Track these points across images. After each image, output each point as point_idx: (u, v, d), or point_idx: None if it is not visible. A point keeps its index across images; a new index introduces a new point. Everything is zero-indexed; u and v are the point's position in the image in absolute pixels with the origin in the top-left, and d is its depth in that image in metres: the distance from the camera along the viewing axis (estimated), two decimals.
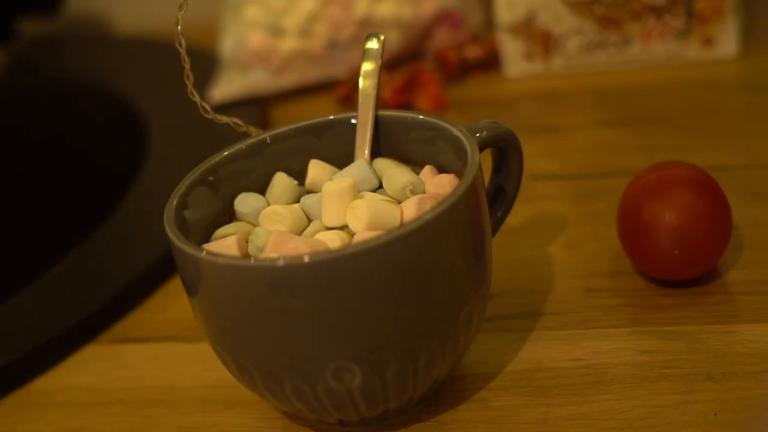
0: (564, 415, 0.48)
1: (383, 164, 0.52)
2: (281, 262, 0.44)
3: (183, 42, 0.52)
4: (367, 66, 0.54)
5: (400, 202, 0.49)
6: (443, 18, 0.84)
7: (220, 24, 0.86)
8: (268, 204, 0.52)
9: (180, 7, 0.52)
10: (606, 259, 0.58)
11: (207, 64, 0.86)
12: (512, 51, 0.79)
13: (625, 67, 0.77)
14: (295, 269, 0.44)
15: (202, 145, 0.79)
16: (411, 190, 0.50)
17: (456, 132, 0.49)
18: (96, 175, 0.86)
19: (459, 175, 0.50)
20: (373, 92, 0.53)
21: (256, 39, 0.82)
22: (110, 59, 0.96)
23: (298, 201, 0.52)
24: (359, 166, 0.51)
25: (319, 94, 0.83)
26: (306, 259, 0.44)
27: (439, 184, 0.49)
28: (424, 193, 0.50)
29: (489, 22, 0.85)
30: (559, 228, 0.62)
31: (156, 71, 0.93)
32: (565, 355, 0.52)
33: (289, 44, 0.82)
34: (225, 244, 0.49)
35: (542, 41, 0.78)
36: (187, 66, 0.53)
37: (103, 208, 0.73)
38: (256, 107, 0.81)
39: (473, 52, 0.81)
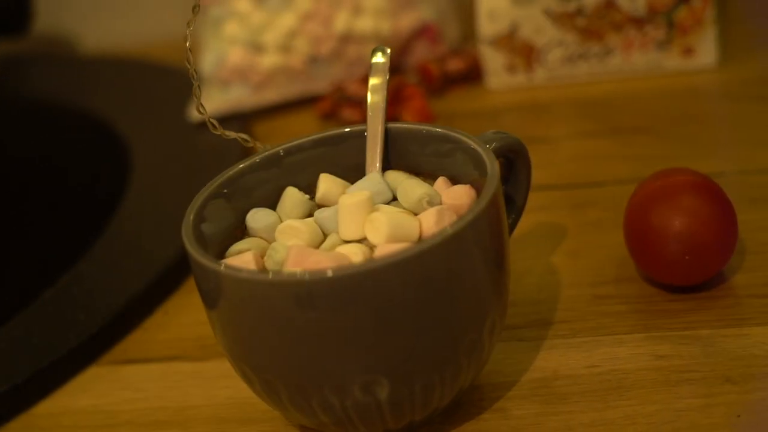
0: (587, 421, 0.48)
1: (395, 177, 0.52)
2: (307, 277, 0.44)
3: (192, 58, 0.52)
4: (374, 80, 0.54)
5: (415, 215, 0.50)
6: (421, 32, 0.84)
7: (199, 41, 0.85)
8: (280, 219, 0.52)
9: (188, 24, 0.52)
10: (610, 267, 0.58)
11: (186, 81, 0.85)
12: (494, 63, 0.79)
13: (606, 77, 0.78)
14: (322, 284, 0.44)
15: (184, 161, 0.79)
16: (428, 202, 0.50)
17: (473, 144, 0.49)
18: (77, 196, 0.85)
19: (474, 185, 0.50)
20: (382, 105, 0.53)
21: (236, 55, 0.82)
22: (81, 79, 0.95)
23: (309, 215, 0.52)
24: (373, 179, 0.51)
25: (300, 109, 0.83)
26: (332, 273, 0.44)
27: (455, 195, 0.49)
28: (440, 204, 0.50)
29: (466, 36, 0.86)
30: (558, 237, 0.62)
31: (129, 90, 0.92)
32: (581, 362, 0.52)
33: (269, 60, 0.82)
34: (243, 259, 0.48)
35: (524, 53, 0.78)
36: (196, 83, 0.52)
37: (89, 229, 0.72)
38: (238, 124, 0.81)
39: (455, 65, 0.81)
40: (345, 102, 0.79)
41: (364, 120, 0.75)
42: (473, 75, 0.81)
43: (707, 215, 0.53)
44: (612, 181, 0.67)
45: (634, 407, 0.49)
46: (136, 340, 0.61)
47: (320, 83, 0.83)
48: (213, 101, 0.82)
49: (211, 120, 0.53)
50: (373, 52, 0.55)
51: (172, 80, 0.91)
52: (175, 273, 0.65)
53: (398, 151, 0.53)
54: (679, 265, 0.53)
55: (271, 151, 0.53)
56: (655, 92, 0.76)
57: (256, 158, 0.52)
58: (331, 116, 0.80)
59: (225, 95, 0.83)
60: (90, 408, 0.57)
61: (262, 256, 0.50)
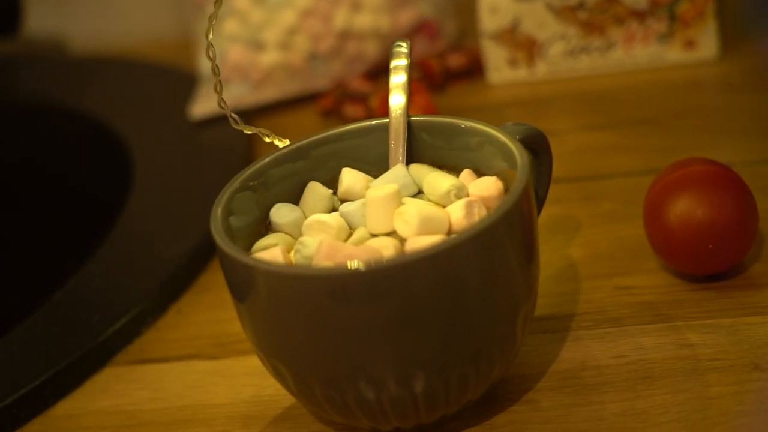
0: (619, 411, 0.48)
1: (419, 170, 0.52)
2: (341, 271, 0.44)
3: (214, 53, 0.51)
4: (396, 74, 0.53)
5: (443, 207, 0.49)
6: (420, 28, 0.84)
7: (197, 40, 0.85)
8: (304, 214, 0.52)
9: (210, 19, 0.52)
10: (626, 258, 0.59)
11: (186, 81, 0.85)
12: (496, 58, 0.79)
13: (608, 71, 0.78)
14: (356, 277, 0.44)
15: (186, 160, 0.78)
16: (455, 194, 0.50)
17: (503, 137, 0.49)
18: (82, 197, 0.84)
19: (501, 177, 0.50)
20: (404, 98, 0.53)
21: (235, 53, 0.82)
22: (74, 80, 0.94)
23: (332, 210, 0.52)
24: (398, 172, 0.51)
25: (301, 106, 0.83)
26: (366, 267, 0.44)
27: (483, 187, 0.49)
28: (467, 196, 0.50)
29: (465, 32, 0.86)
30: (573, 230, 0.62)
31: (123, 90, 0.91)
32: (607, 353, 0.52)
33: (269, 58, 0.82)
34: (271, 254, 0.48)
35: (526, 48, 0.78)
36: (217, 77, 0.52)
37: (95, 230, 0.71)
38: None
39: (456, 60, 0.81)
40: (347, 98, 0.79)
41: (367, 116, 0.76)
42: (474, 70, 0.81)
43: (729, 204, 0.53)
44: (620, 172, 0.67)
45: (664, 396, 0.49)
46: (151, 340, 0.61)
47: (320, 80, 0.83)
48: (213, 100, 0.82)
49: (233, 115, 0.53)
50: (394, 46, 0.54)
51: (165, 79, 0.91)
52: (187, 271, 0.65)
53: (420, 145, 0.53)
54: (703, 254, 0.53)
55: (295, 145, 0.53)
56: (657, 85, 0.77)
57: (280, 152, 0.52)
58: (332, 113, 0.80)
59: (225, 93, 0.81)
60: (110, 408, 0.56)
61: (289, 251, 0.49)
